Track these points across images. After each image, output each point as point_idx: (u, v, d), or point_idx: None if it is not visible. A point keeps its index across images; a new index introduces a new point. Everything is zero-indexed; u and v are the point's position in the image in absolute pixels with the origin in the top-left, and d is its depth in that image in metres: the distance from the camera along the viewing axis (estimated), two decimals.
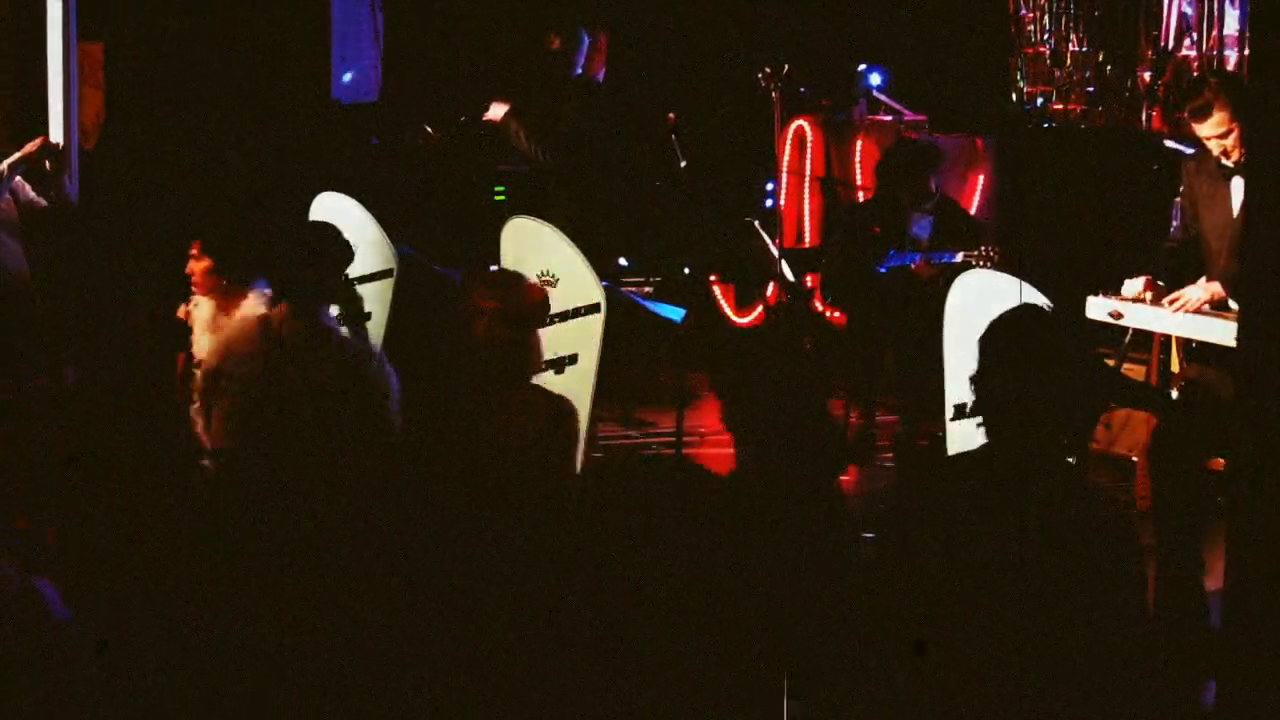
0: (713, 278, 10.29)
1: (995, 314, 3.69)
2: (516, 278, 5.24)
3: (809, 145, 10.05)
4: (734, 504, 4.10)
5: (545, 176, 8.65)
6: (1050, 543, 3.39)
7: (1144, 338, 6.94)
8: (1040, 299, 5.61)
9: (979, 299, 6.01)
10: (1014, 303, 5.13)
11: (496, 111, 8.73)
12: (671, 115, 9.04)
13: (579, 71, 8.83)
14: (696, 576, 3.87)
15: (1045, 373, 3.53)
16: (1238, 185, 5.89)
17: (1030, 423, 3.52)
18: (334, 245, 5.93)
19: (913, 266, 8.03)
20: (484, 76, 9.89)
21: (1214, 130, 5.87)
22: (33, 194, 7.43)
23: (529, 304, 5.08)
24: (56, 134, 7.83)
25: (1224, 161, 5.95)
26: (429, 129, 8.93)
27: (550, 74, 8.71)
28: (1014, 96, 10.26)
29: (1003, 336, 3.62)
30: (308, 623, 3.33)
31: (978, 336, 3.67)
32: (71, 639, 3.00)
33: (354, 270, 7.50)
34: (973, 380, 3.60)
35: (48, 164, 7.46)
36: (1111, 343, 7.12)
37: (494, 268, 7.79)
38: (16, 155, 7.35)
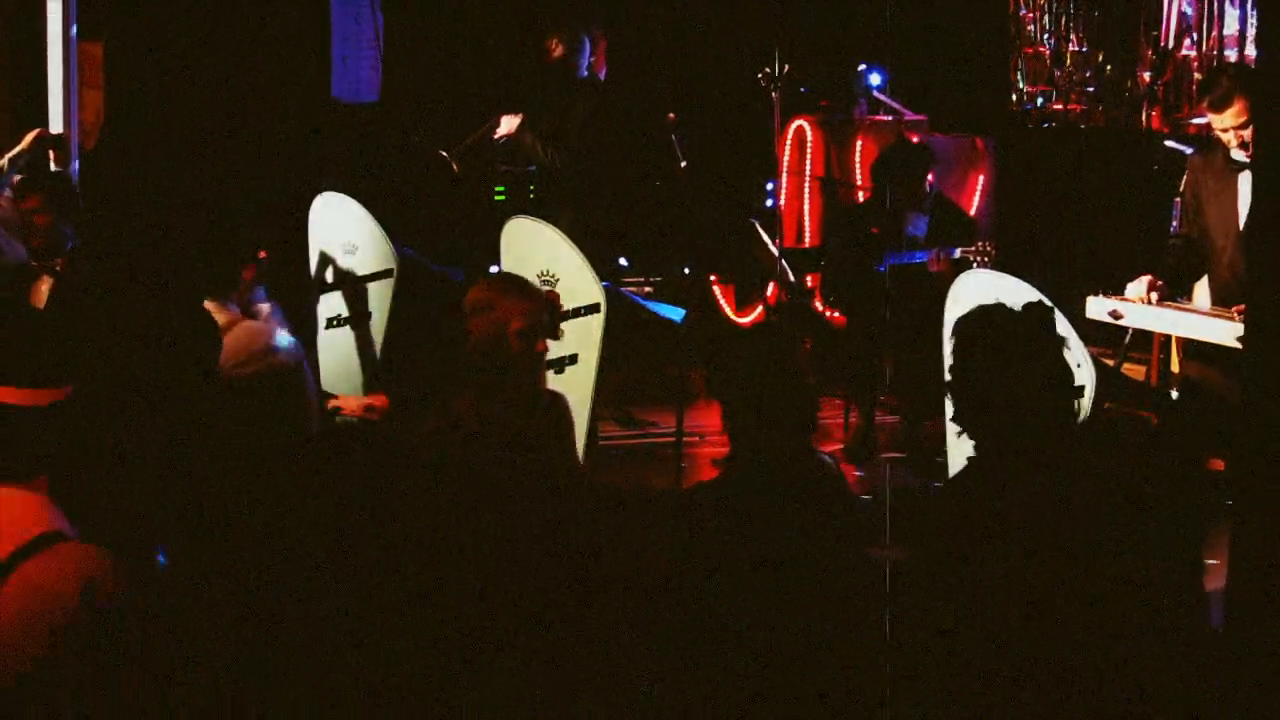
0: (713, 278, 10.30)
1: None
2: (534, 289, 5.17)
3: (809, 145, 10.05)
4: (731, 493, 4.10)
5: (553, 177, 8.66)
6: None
7: (1144, 338, 6.96)
8: (1039, 298, 5.60)
9: (979, 299, 6.01)
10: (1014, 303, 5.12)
11: (509, 125, 8.74)
12: (671, 115, 9.04)
13: (584, 74, 8.84)
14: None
15: (1014, 368, 3.51)
16: (1246, 181, 5.86)
17: (1003, 419, 3.50)
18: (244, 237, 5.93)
19: (927, 263, 8.03)
20: (489, 84, 9.90)
21: (1233, 120, 5.85)
22: None
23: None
24: (56, 131, 7.83)
25: (1236, 155, 5.93)
26: (445, 154, 8.92)
27: (557, 78, 8.72)
28: (1014, 96, 10.27)
29: (970, 333, 3.60)
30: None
31: (949, 334, 3.66)
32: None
33: (354, 270, 7.53)
34: (946, 383, 3.59)
35: (52, 154, 7.45)
36: (1111, 343, 7.13)
37: (493, 268, 7.79)
38: (15, 150, 7.35)
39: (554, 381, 6.53)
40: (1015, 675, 3.35)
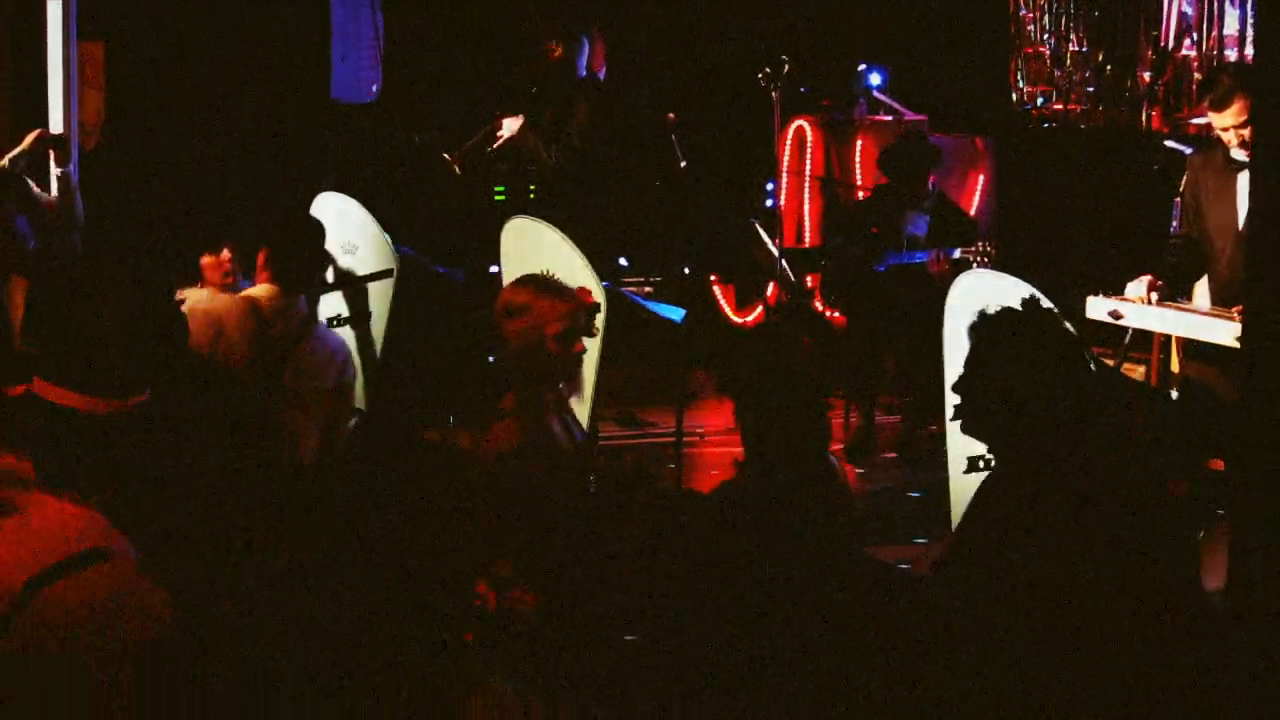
0: (713, 278, 10.30)
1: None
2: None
3: (809, 145, 10.05)
4: (740, 503, 4.10)
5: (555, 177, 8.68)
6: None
7: (1144, 338, 6.95)
8: (1039, 298, 5.60)
9: (980, 299, 6.01)
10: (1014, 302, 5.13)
11: (511, 127, 8.75)
12: (671, 115, 9.04)
13: (583, 73, 8.85)
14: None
15: (1025, 370, 3.50)
16: (1246, 181, 5.85)
17: (1011, 422, 3.49)
18: (320, 237, 5.96)
19: (926, 263, 8.03)
20: (489, 85, 9.90)
21: (1234, 120, 5.84)
22: (36, 189, 7.43)
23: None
24: (57, 131, 7.83)
25: (1236, 155, 5.92)
26: (448, 157, 8.92)
27: (557, 79, 8.73)
28: (1014, 96, 10.27)
29: (983, 333, 3.59)
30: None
31: (965, 329, 3.65)
32: None
33: (354, 270, 7.53)
34: (954, 384, 3.57)
35: (53, 155, 7.45)
36: (1111, 343, 7.12)
37: (493, 268, 7.79)
38: (16, 150, 7.35)
39: None
40: (1031, 677, 3.35)
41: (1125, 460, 3.54)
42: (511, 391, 4.74)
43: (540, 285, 4.88)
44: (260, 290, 5.80)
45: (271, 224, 6.05)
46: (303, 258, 5.92)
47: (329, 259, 6.23)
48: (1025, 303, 3.64)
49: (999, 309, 3.63)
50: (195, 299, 6.98)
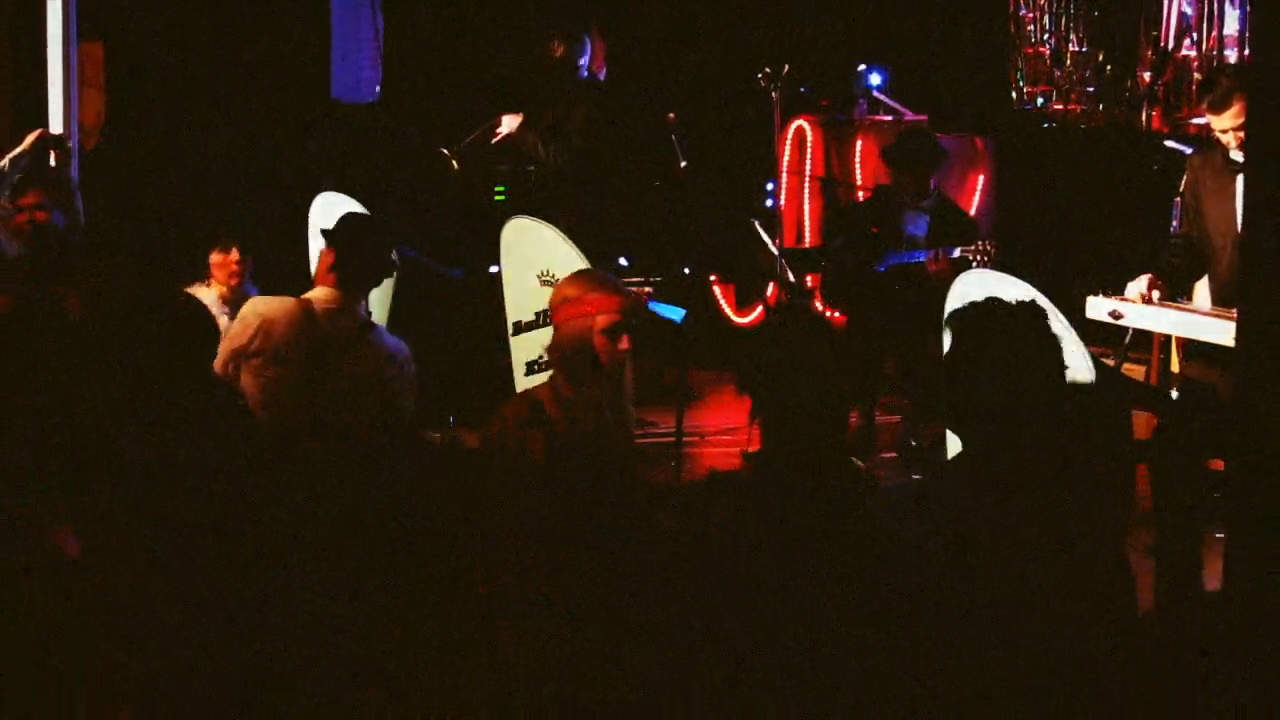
0: (713, 278, 10.30)
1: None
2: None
3: (809, 145, 10.05)
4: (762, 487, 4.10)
5: (551, 177, 8.68)
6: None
7: (1144, 338, 6.95)
8: (1039, 298, 5.60)
9: (978, 299, 5.99)
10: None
11: (510, 125, 8.77)
12: (672, 115, 9.04)
13: (585, 74, 8.86)
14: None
15: (1006, 366, 3.48)
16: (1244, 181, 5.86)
17: (995, 419, 3.48)
18: (387, 242, 5.99)
19: (925, 262, 8.03)
20: (489, 84, 9.90)
21: (1233, 121, 5.84)
22: None
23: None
24: (56, 131, 7.83)
25: (1235, 156, 5.92)
26: (446, 152, 8.93)
27: (558, 78, 8.73)
28: (1014, 96, 10.27)
29: (963, 328, 3.57)
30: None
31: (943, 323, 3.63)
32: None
33: None
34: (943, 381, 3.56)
35: (53, 154, 7.45)
36: (1111, 343, 7.13)
37: (493, 268, 7.79)
38: (16, 150, 7.36)
39: None
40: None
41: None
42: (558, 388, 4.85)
43: (593, 278, 5.03)
44: (318, 293, 5.81)
45: (342, 227, 6.05)
46: (369, 261, 5.94)
47: (394, 264, 6.22)
48: (1019, 305, 3.62)
49: (978, 308, 3.60)
50: (204, 296, 7.02)
